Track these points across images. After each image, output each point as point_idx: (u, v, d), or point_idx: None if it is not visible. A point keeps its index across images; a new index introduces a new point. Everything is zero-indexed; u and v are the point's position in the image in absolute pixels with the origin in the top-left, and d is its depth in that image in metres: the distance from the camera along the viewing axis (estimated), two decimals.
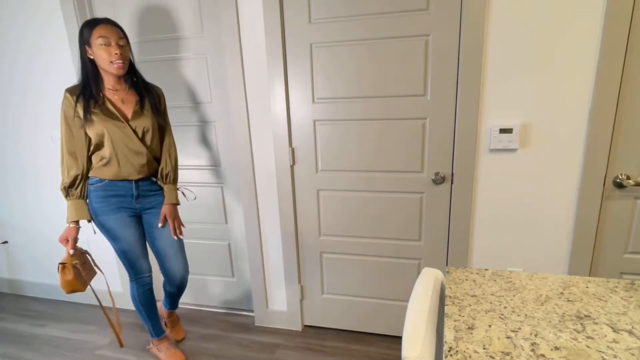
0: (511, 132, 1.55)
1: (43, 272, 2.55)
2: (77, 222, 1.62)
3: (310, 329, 2.12)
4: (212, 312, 2.33)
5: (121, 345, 1.78)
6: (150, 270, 1.79)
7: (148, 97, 1.64)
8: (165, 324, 2.06)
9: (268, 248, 2.06)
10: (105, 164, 1.60)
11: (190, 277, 2.35)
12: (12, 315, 2.40)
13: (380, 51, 1.64)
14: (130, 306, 2.39)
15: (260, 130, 1.89)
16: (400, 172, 1.76)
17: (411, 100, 1.66)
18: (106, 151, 1.58)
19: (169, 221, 1.71)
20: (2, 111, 2.28)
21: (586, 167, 1.51)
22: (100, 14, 2.01)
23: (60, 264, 1.58)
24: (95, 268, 1.72)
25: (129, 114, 1.61)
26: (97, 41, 1.47)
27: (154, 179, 1.73)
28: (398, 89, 1.66)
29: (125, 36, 1.54)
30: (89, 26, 1.48)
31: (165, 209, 1.70)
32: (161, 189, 1.74)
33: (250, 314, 2.29)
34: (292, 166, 1.89)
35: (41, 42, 2.07)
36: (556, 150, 1.54)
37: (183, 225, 1.78)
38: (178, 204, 1.75)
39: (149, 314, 1.83)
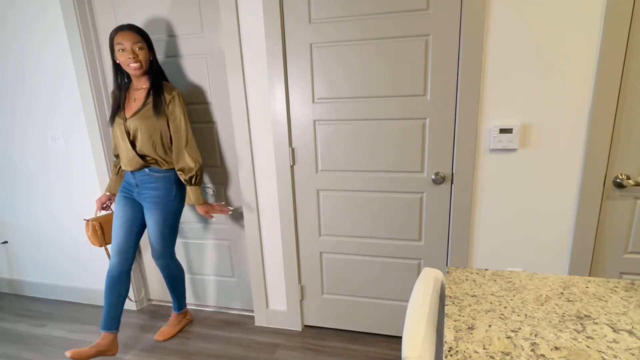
0: (511, 132, 1.55)
1: (43, 272, 2.55)
2: (111, 192, 1.97)
3: (310, 329, 2.12)
4: (212, 312, 2.34)
5: None
6: (115, 255, 1.82)
7: (154, 98, 1.73)
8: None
9: (268, 248, 2.06)
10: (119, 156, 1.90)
11: (190, 277, 2.35)
12: (12, 315, 2.40)
13: (380, 51, 1.64)
14: (132, 306, 2.40)
15: (260, 130, 1.89)
16: (400, 172, 1.76)
17: (411, 100, 1.66)
18: (116, 144, 1.86)
19: (211, 214, 1.89)
20: (3, 112, 2.28)
21: (586, 167, 1.51)
22: (101, 17, 2.01)
23: (84, 219, 1.96)
24: None
25: (130, 114, 1.76)
26: (117, 47, 1.66)
27: (148, 171, 1.82)
28: (398, 88, 1.66)
29: (143, 40, 1.69)
30: (112, 35, 1.68)
31: (198, 210, 1.89)
32: (157, 181, 1.83)
33: (250, 314, 2.29)
34: (292, 166, 1.89)
35: (37, 46, 2.07)
36: (556, 150, 1.54)
37: (225, 206, 1.91)
38: (199, 203, 1.86)
39: (104, 299, 1.83)
